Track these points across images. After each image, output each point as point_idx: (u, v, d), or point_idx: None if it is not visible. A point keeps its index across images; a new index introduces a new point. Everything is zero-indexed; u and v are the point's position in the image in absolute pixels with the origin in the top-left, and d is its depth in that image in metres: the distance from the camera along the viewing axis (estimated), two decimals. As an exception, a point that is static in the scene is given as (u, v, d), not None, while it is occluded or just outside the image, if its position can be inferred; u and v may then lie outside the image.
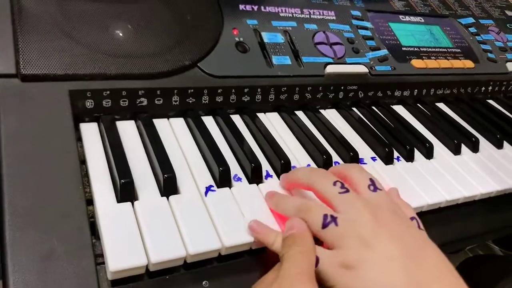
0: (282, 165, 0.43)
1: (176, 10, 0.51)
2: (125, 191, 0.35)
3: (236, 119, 0.50)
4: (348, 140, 0.51)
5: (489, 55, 0.73)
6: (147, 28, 0.48)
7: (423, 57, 0.66)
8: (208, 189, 0.39)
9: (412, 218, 0.36)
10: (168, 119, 0.47)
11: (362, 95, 0.59)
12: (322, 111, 0.57)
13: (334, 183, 0.35)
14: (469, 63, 0.69)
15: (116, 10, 0.48)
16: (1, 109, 0.38)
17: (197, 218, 0.36)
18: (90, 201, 0.36)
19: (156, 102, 0.46)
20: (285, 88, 0.53)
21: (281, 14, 0.59)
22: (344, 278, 0.31)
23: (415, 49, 0.67)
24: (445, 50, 0.70)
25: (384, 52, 0.63)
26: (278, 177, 0.43)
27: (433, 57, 0.67)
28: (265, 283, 0.31)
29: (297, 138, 0.50)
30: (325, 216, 0.33)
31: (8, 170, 0.34)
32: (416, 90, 0.64)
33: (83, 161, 0.39)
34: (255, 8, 0.58)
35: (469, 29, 0.76)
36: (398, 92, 0.63)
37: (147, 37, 0.47)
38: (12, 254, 0.30)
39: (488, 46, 0.74)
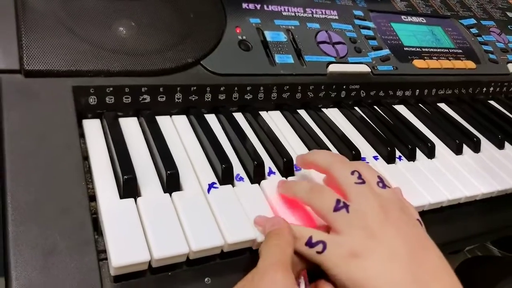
0: (285, 163, 0.43)
1: (179, 8, 0.51)
2: (128, 187, 0.35)
3: (239, 117, 0.50)
4: (350, 139, 0.51)
5: (491, 56, 0.73)
6: (150, 25, 0.48)
7: (425, 58, 0.66)
8: (211, 186, 0.39)
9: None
10: (170, 116, 0.47)
11: (364, 94, 0.59)
12: (324, 110, 0.56)
13: (352, 172, 0.35)
14: (470, 64, 0.69)
15: (119, 7, 0.48)
16: (4, 105, 0.38)
17: (200, 214, 0.36)
18: (93, 197, 0.36)
19: (159, 99, 0.46)
20: (287, 87, 0.53)
21: (284, 13, 0.59)
22: (349, 266, 0.31)
23: (417, 49, 0.67)
24: (447, 50, 0.70)
25: (386, 52, 0.63)
26: (281, 175, 0.43)
27: (435, 58, 0.67)
28: (245, 279, 0.31)
29: (299, 136, 0.51)
30: (338, 200, 0.33)
31: (11, 165, 0.34)
32: (417, 90, 0.64)
33: (86, 157, 0.39)
34: (258, 6, 0.58)
35: (471, 30, 0.76)
36: (400, 92, 0.63)
37: (150, 35, 0.47)
38: (14, 249, 0.30)
39: (490, 47, 0.75)
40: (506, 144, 0.60)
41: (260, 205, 0.38)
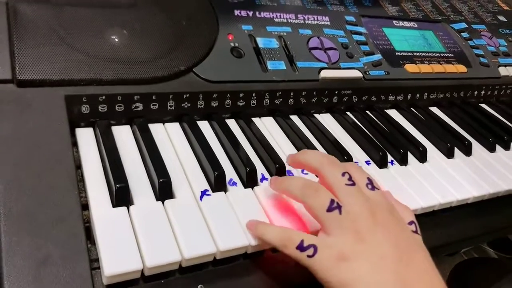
0: (277, 169, 0.44)
1: (171, 16, 0.52)
2: (121, 196, 0.36)
3: (232, 123, 0.51)
4: (342, 144, 0.51)
5: (482, 59, 0.74)
6: (143, 33, 0.48)
7: (417, 62, 0.67)
8: (204, 193, 0.39)
9: (411, 223, 0.37)
10: (163, 124, 0.48)
11: (356, 99, 0.60)
12: (316, 115, 0.57)
13: (343, 174, 0.35)
14: (461, 68, 0.70)
15: (111, 15, 0.48)
16: (-4, 115, 0.38)
17: (192, 222, 0.36)
18: (85, 206, 0.36)
19: (152, 107, 0.46)
20: (280, 93, 0.53)
21: (276, 20, 0.60)
22: (338, 269, 0.31)
23: (409, 54, 0.68)
24: (438, 54, 0.70)
25: (378, 57, 0.64)
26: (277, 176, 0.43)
27: (426, 62, 0.68)
28: None
29: (291, 142, 0.51)
30: (332, 200, 0.34)
31: (4, 175, 0.34)
32: (409, 95, 0.65)
33: (78, 166, 0.39)
34: (250, 13, 0.58)
35: (462, 34, 0.77)
36: (392, 97, 0.63)
37: (143, 43, 0.47)
38: (7, 260, 0.30)
39: (481, 50, 0.75)
40: (498, 147, 0.60)
41: (253, 211, 0.39)
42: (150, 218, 0.35)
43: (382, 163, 0.50)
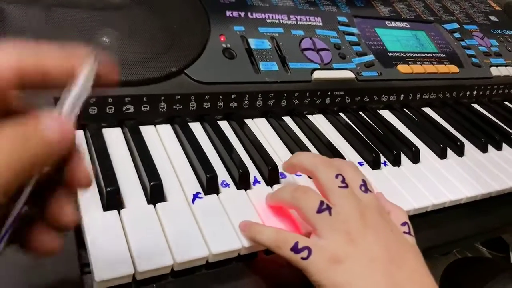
0: (270, 171, 0.43)
1: (163, 17, 0.51)
2: (111, 199, 0.35)
3: (224, 125, 0.50)
4: (335, 145, 0.51)
5: (474, 60, 0.74)
6: (134, 35, 0.48)
7: (409, 62, 0.67)
8: (196, 196, 0.39)
9: (404, 224, 0.37)
10: (155, 126, 0.47)
11: (349, 100, 0.60)
12: (309, 116, 0.57)
13: (337, 176, 0.36)
14: (454, 68, 0.70)
15: (102, 17, 0.48)
16: (-16, 118, 0.37)
17: (184, 225, 0.36)
18: (76, 209, 0.35)
19: (143, 109, 0.46)
20: (272, 94, 0.53)
21: (268, 21, 0.60)
22: (331, 272, 0.31)
23: (401, 54, 0.68)
24: (430, 55, 0.71)
25: (370, 57, 0.64)
26: (266, 183, 0.43)
27: (419, 62, 0.68)
28: None
29: (284, 143, 0.51)
30: (322, 202, 0.34)
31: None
32: (402, 95, 0.65)
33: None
34: (242, 14, 0.58)
35: (454, 34, 0.77)
36: (384, 97, 0.63)
37: (133, 44, 0.47)
38: (-5, 265, 0.29)
39: (473, 51, 0.76)
40: (490, 147, 0.61)
41: (246, 214, 0.38)
42: (142, 222, 0.35)
43: (375, 164, 0.50)
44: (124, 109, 0.45)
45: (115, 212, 0.35)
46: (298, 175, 0.45)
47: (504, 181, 0.53)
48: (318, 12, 0.65)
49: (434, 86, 0.67)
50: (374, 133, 0.56)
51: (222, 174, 0.43)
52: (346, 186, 0.35)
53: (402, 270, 0.32)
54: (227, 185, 0.42)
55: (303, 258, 0.32)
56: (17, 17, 0.44)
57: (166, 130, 0.47)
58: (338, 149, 0.51)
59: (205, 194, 0.39)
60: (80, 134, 0.43)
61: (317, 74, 0.57)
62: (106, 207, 0.35)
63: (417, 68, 0.66)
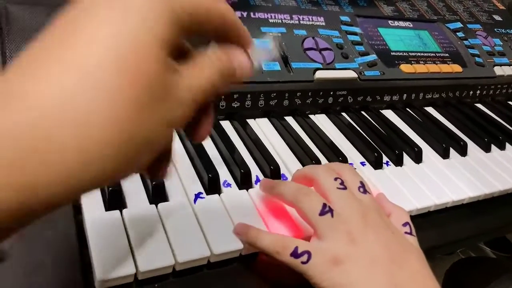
0: (272, 170, 0.44)
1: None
2: (113, 199, 0.35)
3: (226, 125, 0.50)
4: (337, 145, 0.51)
5: (477, 59, 0.74)
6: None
7: (412, 62, 0.67)
8: (197, 196, 0.39)
9: (405, 224, 0.37)
10: (157, 126, 0.47)
11: (352, 100, 0.60)
12: (311, 116, 0.57)
13: (335, 179, 0.36)
14: (457, 68, 0.70)
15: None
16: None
17: (186, 225, 0.36)
18: (78, 209, 0.36)
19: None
20: (274, 94, 0.53)
21: (271, 20, 0.60)
22: (332, 274, 0.31)
23: (404, 54, 0.68)
24: (434, 54, 0.70)
25: (373, 57, 0.63)
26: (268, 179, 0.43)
27: (422, 62, 0.68)
28: None
29: (286, 143, 0.51)
30: (325, 205, 0.34)
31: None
32: (405, 95, 0.65)
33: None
34: (245, 14, 0.58)
35: (457, 33, 0.77)
36: (387, 97, 0.63)
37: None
38: (-2, 265, 0.30)
39: (476, 50, 0.75)
40: (493, 147, 0.60)
41: (247, 214, 0.38)
42: (143, 221, 0.35)
43: (377, 164, 0.50)
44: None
45: (117, 212, 0.35)
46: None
47: (507, 181, 0.53)
48: (321, 12, 0.65)
49: (437, 86, 0.67)
50: (376, 133, 0.56)
51: (224, 174, 0.43)
52: (345, 188, 0.35)
53: (404, 270, 0.32)
54: (229, 185, 0.42)
55: (303, 263, 0.32)
56: (21, 18, 0.44)
57: (168, 130, 0.47)
58: (340, 149, 0.51)
59: (207, 194, 0.40)
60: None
61: (320, 74, 0.57)
62: (108, 206, 0.35)
63: (420, 68, 0.66)
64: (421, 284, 0.32)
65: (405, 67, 0.65)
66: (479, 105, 0.72)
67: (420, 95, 0.66)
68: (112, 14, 0.19)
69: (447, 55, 0.71)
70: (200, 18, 0.22)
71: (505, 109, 0.72)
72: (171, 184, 0.39)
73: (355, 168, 0.48)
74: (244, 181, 0.42)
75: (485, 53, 0.76)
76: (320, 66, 0.58)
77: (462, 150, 0.57)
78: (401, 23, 0.73)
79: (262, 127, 0.52)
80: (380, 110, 0.62)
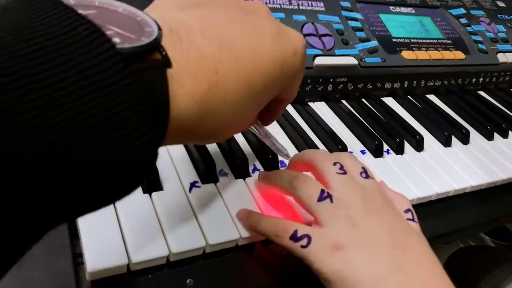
0: (270, 159, 0.43)
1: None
2: (106, 188, 0.34)
3: (223, 112, 0.49)
4: (337, 133, 0.50)
5: (480, 46, 0.72)
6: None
7: (414, 49, 0.65)
8: (193, 185, 0.38)
9: (407, 210, 0.36)
10: (152, 113, 0.46)
11: (352, 87, 0.58)
12: (311, 104, 0.56)
13: (334, 163, 0.35)
14: (460, 55, 0.68)
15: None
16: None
17: (181, 215, 0.35)
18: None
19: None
20: (272, 81, 0.52)
21: (269, 5, 0.58)
22: (333, 259, 0.31)
23: (406, 40, 0.66)
24: (436, 41, 0.69)
25: (374, 43, 0.62)
26: (266, 171, 0.42)
27: (424, 49, 0.66)
28: None
29: (285, 131, 0.50)
30: (323, 190, 0.33)
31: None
32: (406, 82, 0.63)
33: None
34: (242, -1, 0.57)
35: (460, 20, 0.75)
36: (388, 84, 0.62)
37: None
38: (-14, 255, 0.29)
39: (479, 37, 0.74)
40: (496, 135, 0.59)
41: (244, 203, 0.37)
42: (137, 211, 0.34)
43: (377, 153, 0.49)
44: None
45: (110, 201, 0.34)
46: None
47: (510, 169, 0.52)
48: (321, -3, 0.64)
49: (439, 73, 0.66)
50: (377, 120, 0.54)
51: (220, 162, 0.42)
52: (345, 173, 0.34)
53: (407, 255, 0.31)
54: (225, 174, 0.41)
55: (302, 247, 0.31)
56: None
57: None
58: (340, 137, 0.49)
59: (203, 183, 0.38)
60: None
61: (319, 61, 0.55)
62: (100, 196, 0.34)
63: (422, 55, 0.64)
64: (425, 268, 0.31)
65: (406, 54, 0.63)
66: (481, 93, 0.71)
67: (421, 82, 0.65)
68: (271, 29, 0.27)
69: (449, 41, 0.70)
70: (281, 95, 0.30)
71: (508, 97, 0.71)
72: (165, 172, 0.38)
73: (356, 157, 0.48)
74: (240, 170, 0.41)
75: (488, 40, 0.74)
76: (320, 52, 0.56)
77: (464, 138, 0.56)
78: (403, 9, 0.72)
79: (260, 115, 0.51)
80: (381, 98, 0.61)
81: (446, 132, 0.54)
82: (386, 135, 0.52)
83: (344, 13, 0.64)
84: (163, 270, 0.34)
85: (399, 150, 0.50)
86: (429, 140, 0.54)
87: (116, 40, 0.18)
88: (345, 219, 0.32)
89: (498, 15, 0.82)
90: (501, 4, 0.85)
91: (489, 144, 0.57)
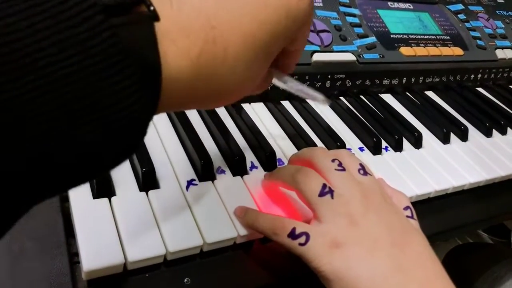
0: (267, 156, 0.42)
1: None
2: (101, 187, 0.34)
3: (220, 110, 0.49)
4: (335, 130, 0.50)
5: (478, 42, 0.72)
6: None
7: (412, 45, 0.65)
8: (190, 183, 0.38)
9: (406, 208, 0.36)
10: (148, 110, 0.46)
11: (350, 83, 0.58)
12: (308, 100, 0.55)
13: (333, 160, 0.35)
14: (458, 51, 0.68)
15: None
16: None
17: (178, 213, 0.34)
18: (65, 197, 0.34)
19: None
20: (270, 77, 0.51)
21: (266, 1, 0.57)
22: (331, 257, 0.30)
23: (404, 36, 0.66)
24: (434, 37, 0.68)
25: (372, 39, 0.62)
26: (263, 169, 0.42)
27: (422, 45, 0.66)
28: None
29: (283, 128, 0.49)
30: (324, 185, 0.33)
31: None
32: (404, 78, 0.63)
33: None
34: None
35: (458, 15, 0.75)
36: (386, 81, 0.61)
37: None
38: (-20, 254, 0.28)
39: (478, 33, 0.73)
40: (494, 132, 0.59)
41: (242, 201, 0.37)
42: (133, 209, 0.33)
43: (376, 150, 0.49)
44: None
45: (106, 199, 0.34)
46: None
47: (508, 166, 0.52)
48: (318, -7, 0.63)
49: (437, 69, 0.66)
50: (375, 117, 0.54)
51: (217, 160, 0.41)
52: (343, 169, 0.34)
53: (406, 253, 0.31)
54: (222, 171, 0.40)
55: (300, 244, 0.31)
56: None
57: (160, 115, 0.45)
58: (338, 134, 0.49)
59: (200, 181, 0.38)
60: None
61: (317, 57, 0.55)
62: (96, 194, 0.34)
63: (420, 51, 0.64)
64: (425, 266, 0.31)
65: (405, 50, 0.63)
66: (480, 89, 0.71)
67: (420, 78, 0.64)
68: None
69: (448, 37, 0.70)
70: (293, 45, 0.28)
71: (506, 93, 0.71)
72: (162, 170, 0.38)
73: (353, 154, 0.47)
74: (238, 168, 0.40)
75: (486, 36, 0.74)
76: (318, 48, 0.56)
77: (463, 135, 0.56)
78: (401, 5, 0.71)
79: (258, 112, 0.51)
80: (379, 94, 0.61)
81: (445, 129, 0.54)
82: (384, 132, 0.51)
83: (342, 8, 0.63)
84: (160, 269, 0.33)
85: (398, 147, 0.50)
86: (427, 137, 0.54)
87: None
88: (344, 216, 0.32)
89: (497, 11, 0.82)
90: None
91: (488, 141, 0.57)
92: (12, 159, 0.15)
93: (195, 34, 0.21)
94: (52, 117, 0.15)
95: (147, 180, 0.36)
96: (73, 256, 0.31)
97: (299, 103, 0.53)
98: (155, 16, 0.19)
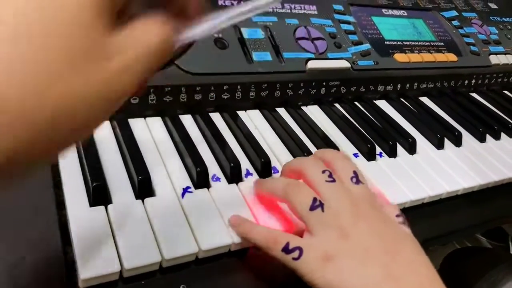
0: (262, 164, 0.43)
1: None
2: (98, 195, 0.34)
3: (216, 117, 0.49)
4: (330, 137, 0.50)
5: (472, 48, 0.73)
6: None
7: (406, 51, 0.65)
8: (185, 190, 0.38)
9: (398, 215, 0.36)
10: (145, 118, 0.46)
11: (345, 90, 0.59)
12: (304, 107, 0.56)
13: (323, 171, 0.35)
14: (452, 57, 0.69)
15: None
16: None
17: (173, 220, 0.35)
18: (62, 205, 0.35)
19: (132, 101, 0.44)
20: (265, 85, 0.52)
21: (262, 9, 0.58)
22: (324, 271, 0.31)
23: (398, 43, 0.66)
24: (428, 43, 0.69)
25: (366, 46, 0.62)
26: (259, 176, 0.43)
27: (416, 51, 0.66)
28: None
29: (278, 135, 0.50)
30: (315, 199, 0.33)
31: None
32: (399, 85, 0.64)
33: (55, 163, 0.38)
34: (235, 3, 0.57)
35: (452, 22, 0.76)
36: (381, 87, 0.62)
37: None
38: (-22, 263, 0.29)
39: (471, 39, 0.74)
40: (488, 137, 0.60)
41: (237, 208, 0.37)
42: (129, 217, 0.34)
43: (370, 156, 0.49)
44: (112, 102, 0.43)
45: (102, 207, 0.34)
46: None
47: (502, 171, 0.53)
48: (313, 0, 0.64)
49: (431, 75, 0.66)
50: (370, 123, 0.55)
51: (213, 168, 0.42)
52: (334, 181, 0.34)
53: (398, 260, 0.31)
54: (218, 179, 0.41)
55: (294, 259, 0.31)
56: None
57: (156, 123, 0.46)
58: (333, 140, 0.50)
59: (195, 188, 0.39)
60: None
61: (312, 64, 0.55)
62: (93, 202, 0.34)
63: (415, 57, 0.65)
64: (418, 273, 0.31)
65: (399, 57, 0.64)
66: (474, 95, 0.71)
67: (414, 84, 0.65)
68: None
69: (442, 44, 0.70)
70: None
71: (500, 99, 0.72)
72: (158, 178, 0.38)
73: (348, 157, 0.48)
74: (233, 176, 0.41)
75: (480, 42, 0.75)
76: (313, 56, 0.56)
77: (457, 141, 0.56)
78: (395, 12, 0.72)
79: (253, 119, 0.51)
80: (374, 101, 0.61)
81: (439, 135, 0.55)
82: (379, 138, 0.52)
83: (336, 16, 0.64)
84: (156, 276, 0.33)
85: (392, 153, 0.50)
86: (422, 142, 0.55)
87: None
88: (335, 229, 0.32)
89: (490, 17, 0.83)
90: (493, 6, 0.86)
91: (482, 146, 0.58)
92: None
93: None
94: None
95: (143, 188, 0.36)
96: (70, 264, 0.32)
97: (294, 110, 0.54)
98: None
